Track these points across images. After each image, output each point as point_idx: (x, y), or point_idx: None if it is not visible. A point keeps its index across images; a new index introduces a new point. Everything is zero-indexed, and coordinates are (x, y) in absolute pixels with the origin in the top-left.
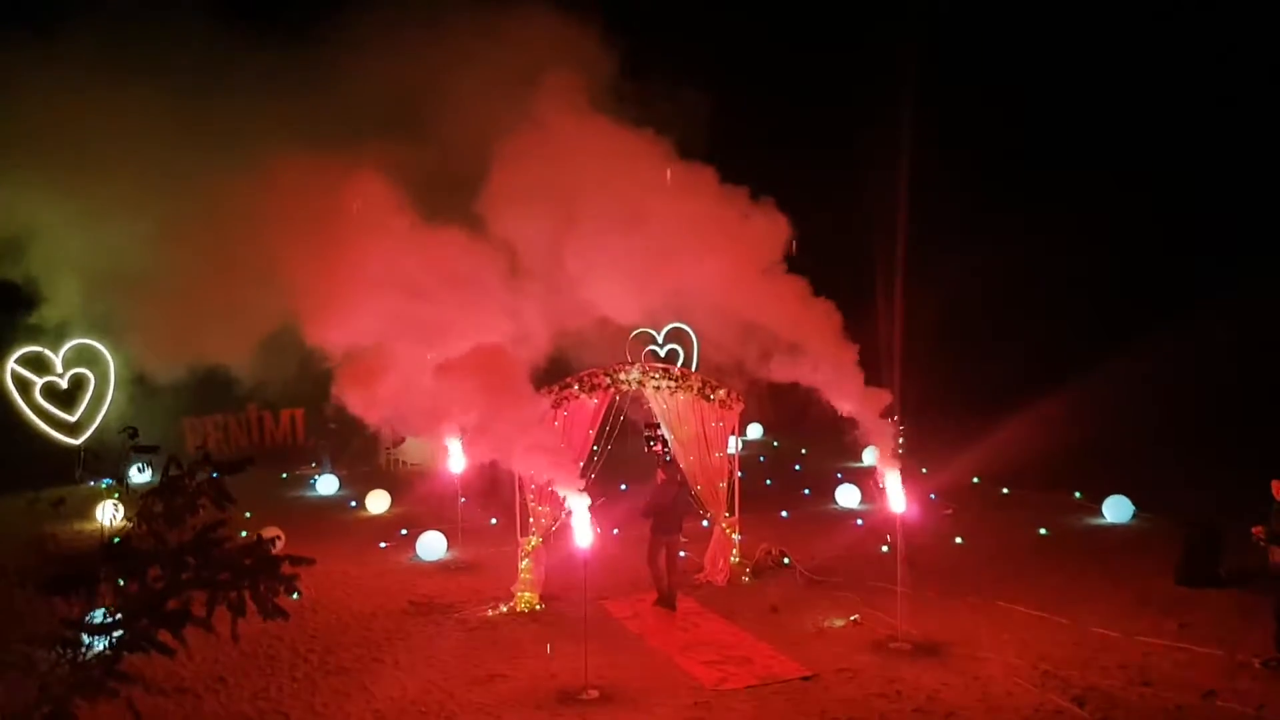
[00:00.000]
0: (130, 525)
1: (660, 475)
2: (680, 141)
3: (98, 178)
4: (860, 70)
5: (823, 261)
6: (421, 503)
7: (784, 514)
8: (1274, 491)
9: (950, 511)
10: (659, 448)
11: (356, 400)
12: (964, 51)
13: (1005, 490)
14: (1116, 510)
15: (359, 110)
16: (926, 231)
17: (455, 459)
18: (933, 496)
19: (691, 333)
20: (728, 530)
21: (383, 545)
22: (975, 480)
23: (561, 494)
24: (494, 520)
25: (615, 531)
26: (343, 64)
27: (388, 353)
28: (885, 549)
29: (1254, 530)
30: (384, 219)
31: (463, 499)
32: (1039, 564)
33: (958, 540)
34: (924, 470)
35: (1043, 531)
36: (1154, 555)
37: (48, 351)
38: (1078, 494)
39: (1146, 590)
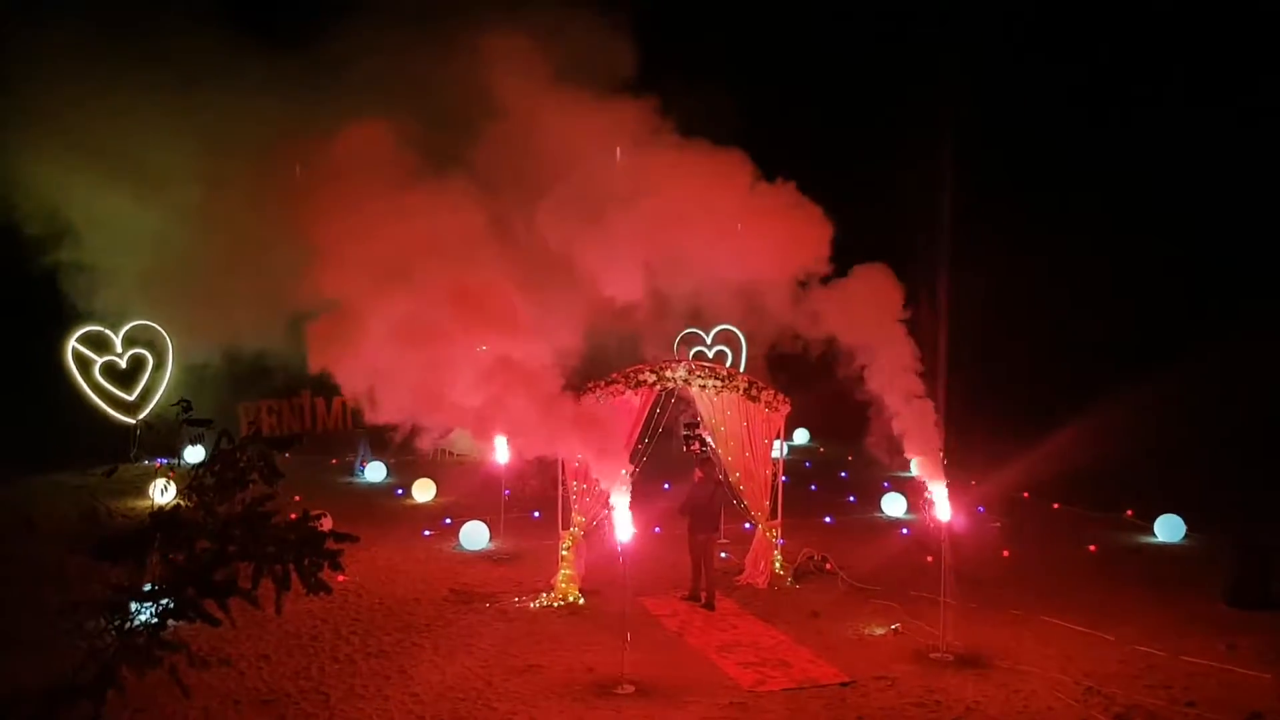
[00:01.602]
0: (181, 498)
1: (698, 473)
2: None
3: (158, 176)
4: (904, 75)
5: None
6: (466, 493)
7: (828, 519)
8: None
9: (998, 525)
10: (696, 446)
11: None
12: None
13: (1055, 506)
14: (1168, 529)
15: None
16: (973, 239)
17: (500, 451)
18: (981, 509)
19: (740, 335)
20: (770, 533)
21: (427, 533)
22: (1025, 495)
23: (603, 486)
24: (536, 513)
25: (656, 530)
26: (380, 68)
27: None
28: (930, 559)
29: None
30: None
31: (507, 491)
32: (1086, 580)
33: (1005, 554)
34: (973, 483)
35: (1092, 548)
36: (1204, 575)
37: (108, 331)
38: (1129, 512)
39: (1195, 610)
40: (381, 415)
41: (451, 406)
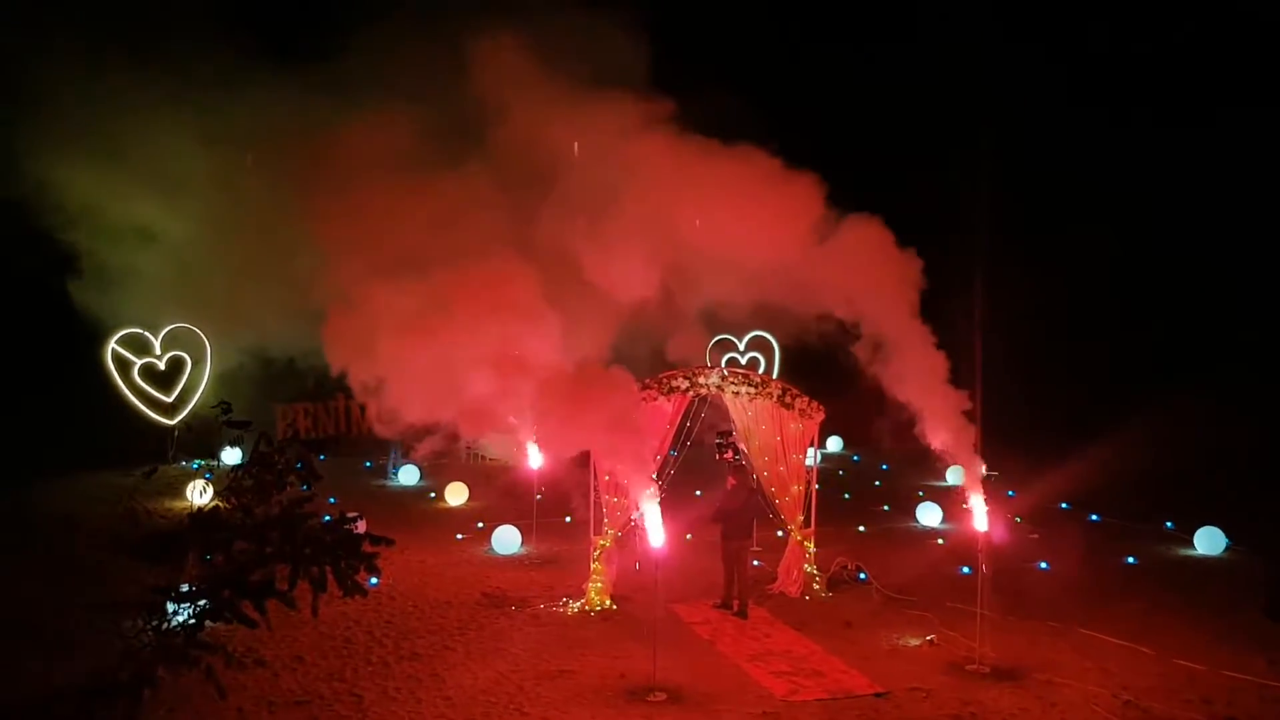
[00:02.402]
0: (219, 500)
1: (731, 481)
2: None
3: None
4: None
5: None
6: (499, 497)
7: (861, 529)
8: None
9: (1036, 536)
10: (729, 455)
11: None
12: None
13: (1094, 517)
14: (1208, 542)
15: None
16: (1010, 245)
17: (533, 455)
18: (1018, 520)
19: (773, 341)
20: (803, 542)
21: (459, 537)
22: (1063, 506)
23: (634, 494)
24: (568, 518)
25: (688, 537)
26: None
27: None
28: (966, 570)
29: None
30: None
31: (539, 495)
32: (1125, 592)
33: (1042, 565)
34: (1010, 493)
35: (1130, 560)
36: (1245, 588)
37: (147, 333)
38: (1169, 524)
39: (1236, 623)
40: (394, 423)
41: (476, 408)
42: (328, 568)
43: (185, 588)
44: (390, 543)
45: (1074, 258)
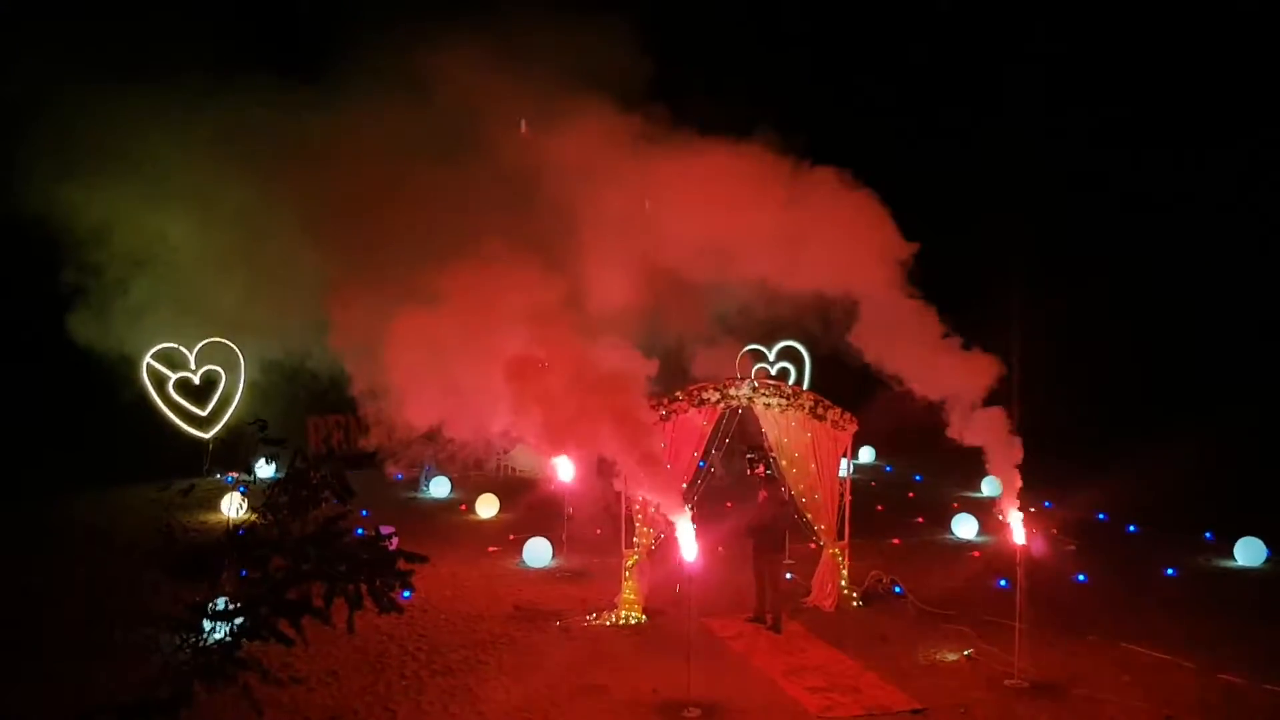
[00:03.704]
0: (255, 515)
1: (762, 494)
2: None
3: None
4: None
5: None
6: (529, 509)
7: (896, 541)
8: None
9: (1073, 547)
10: (761, 469)
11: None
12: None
13: (1132, 528)
14: (1249, 553)
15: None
16: (1051, 253)
17: (563, 468)
18: (1055, 531)
19: (804, 351)
20: (837, 555)
21: (491, 550)
22: (1101, 516)
23: (665, 511)
24: (599, 530)
25: (720, 549)
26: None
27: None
28: (1003, 583)
29: None
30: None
31: (570, 509)
32: (1164, 605)
33: (1080, 577)
34: (1047, 504)
35: (1170, 571)
36: None
37: (182, 348)
38: (1208, 535)
39: (1278, 637)
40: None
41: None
42: (363, 585)
43: (223, 605)
44: (424, 560)
45: (1113, 267)
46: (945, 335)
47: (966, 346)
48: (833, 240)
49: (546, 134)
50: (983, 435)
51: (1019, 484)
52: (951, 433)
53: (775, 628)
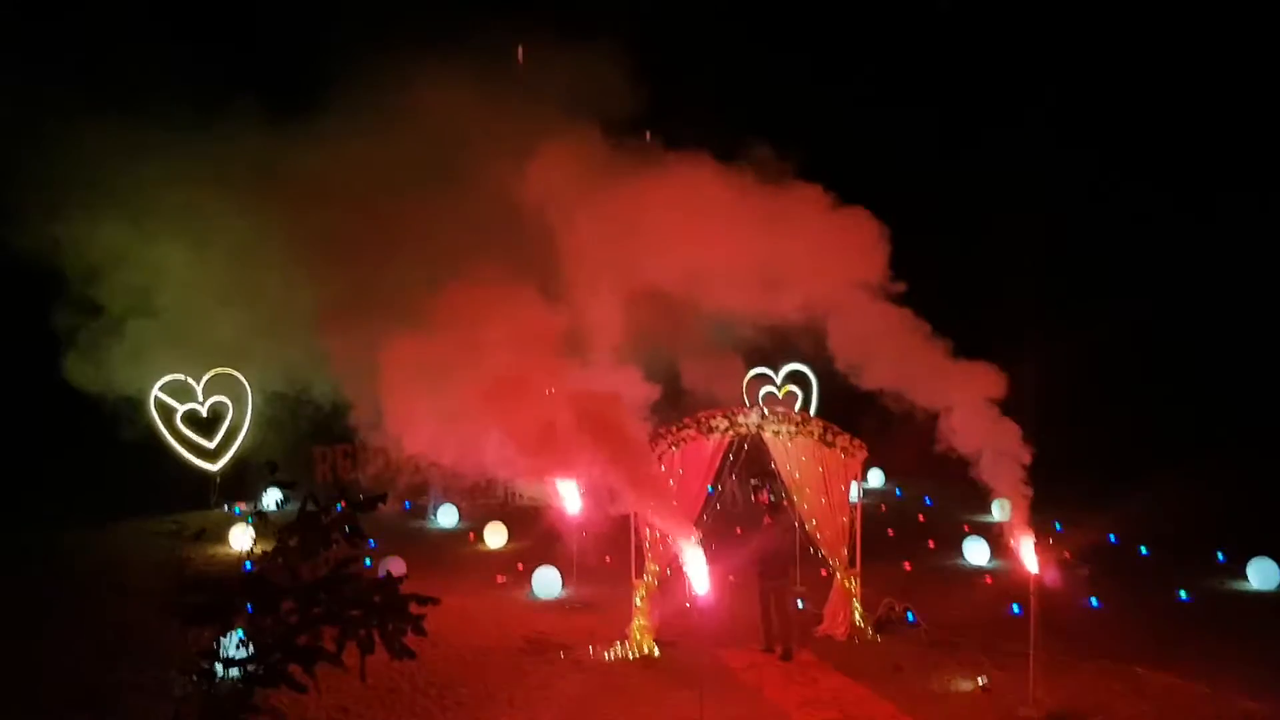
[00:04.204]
0: (264, 552)
1: (767, 519)
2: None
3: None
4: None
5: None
6: (537, 537)
7: (907, 567)
8: None
9: (1086, 571)
10: (765, 495)
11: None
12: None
13: (1144, 549)
14: (1262, 574)
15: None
16: (1066, 276)
17: (571, 497)
18: (1067, 555)
19: (810, 374)
20: (849, 582)
21: (500, 580)
22: (1112, 538)
23: (674, 542)
24: (608, 559)
25: (730, 578)
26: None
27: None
28: (1017, 609)
29: None
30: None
31: (579, 535)
32: (1179, 629)
33: (1093, 602)
34: (1058, 526)
35: (1183, 595)
36: None
37: (190, 380)
38: (1220, 556)
39: None
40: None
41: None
42: (375, 630)
43: (234, 648)
44: (435, 601)
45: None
46: (931, 337)
47: (970, 355)
48: (798, 255)
49: (522, 160)
50: (977, 440)
51: (1028, 499)
52: (944, 442)
53: (786, 656)
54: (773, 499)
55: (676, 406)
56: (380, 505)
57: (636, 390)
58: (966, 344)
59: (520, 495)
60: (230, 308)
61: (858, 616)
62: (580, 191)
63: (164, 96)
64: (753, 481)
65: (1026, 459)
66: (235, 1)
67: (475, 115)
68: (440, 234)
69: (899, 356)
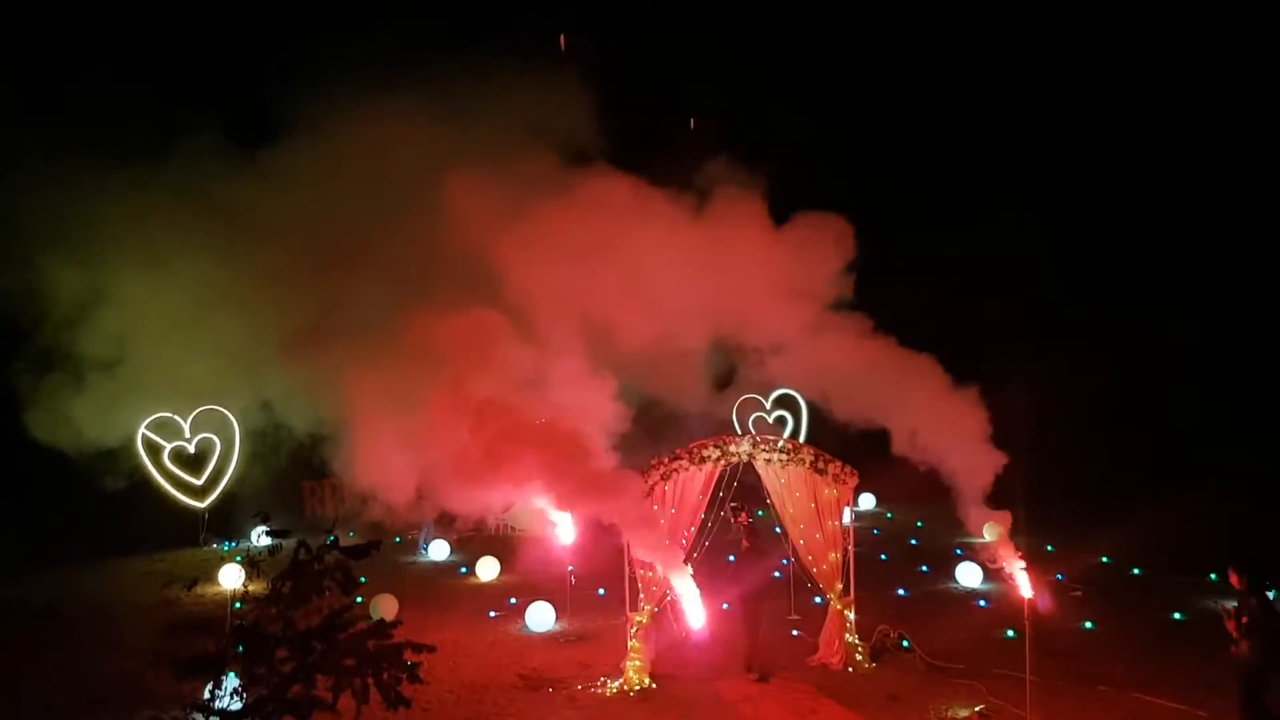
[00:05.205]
0: (254, 593)
1: (745, 544)
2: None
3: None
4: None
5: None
6: (530, 570)
7: (901, 592)
8: (1233, 581)
9: (1079, 593)
10: (744, 517)
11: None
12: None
13: (1137, 571)
14: None
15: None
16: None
17: (563, 529)
18: (1060, 577)
19: (800, 399)
20: (843, 610)
21: (492, 614)
22: (1105, 560)
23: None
24: (602, 591)
25: (725, 607)
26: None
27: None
28: (1011, 634)
29: (1227, 624)
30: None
31: (571, 568)
32: (1175, 651)
33: (1087, 625)
34: (1049, 548)
35: (1178, 616)
36: None
37: (177, 417)
38: (1213, 576)
39: None
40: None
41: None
42: (369, 679)
43: (227, 698)
44: (432, 649)
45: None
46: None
47: (960, 381)
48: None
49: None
50: (943, 450)
51: (1008, 522)
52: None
53: (763, 677)
54: (751, 521)
55: (658, 438)
56: (375, 552)
57: (604, 410)
58: (957, 371)
59: (512, 526)
60: (197, 350)
61: (853, 645)
62: (499, 219)
63: (118, 134)
64: (731, 504)
65: (990, 478)
66: (195, 33)
67: (429, 146)
68: (402, 262)
69: (865, 385)
